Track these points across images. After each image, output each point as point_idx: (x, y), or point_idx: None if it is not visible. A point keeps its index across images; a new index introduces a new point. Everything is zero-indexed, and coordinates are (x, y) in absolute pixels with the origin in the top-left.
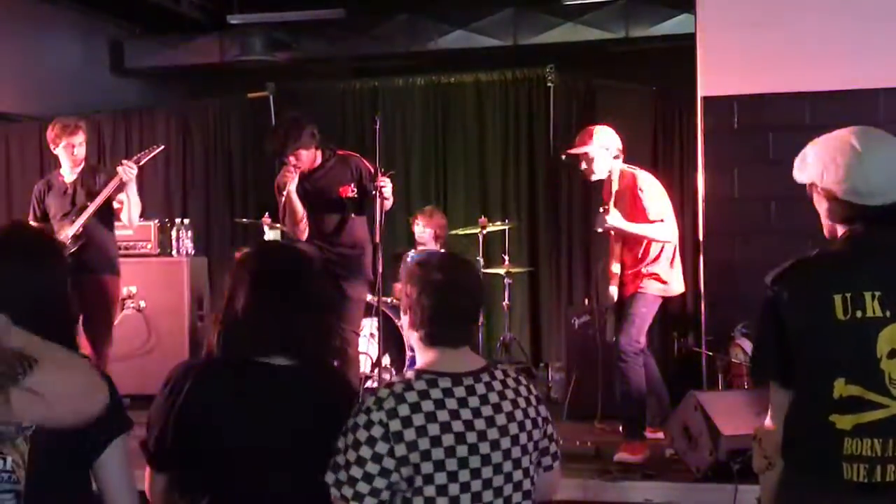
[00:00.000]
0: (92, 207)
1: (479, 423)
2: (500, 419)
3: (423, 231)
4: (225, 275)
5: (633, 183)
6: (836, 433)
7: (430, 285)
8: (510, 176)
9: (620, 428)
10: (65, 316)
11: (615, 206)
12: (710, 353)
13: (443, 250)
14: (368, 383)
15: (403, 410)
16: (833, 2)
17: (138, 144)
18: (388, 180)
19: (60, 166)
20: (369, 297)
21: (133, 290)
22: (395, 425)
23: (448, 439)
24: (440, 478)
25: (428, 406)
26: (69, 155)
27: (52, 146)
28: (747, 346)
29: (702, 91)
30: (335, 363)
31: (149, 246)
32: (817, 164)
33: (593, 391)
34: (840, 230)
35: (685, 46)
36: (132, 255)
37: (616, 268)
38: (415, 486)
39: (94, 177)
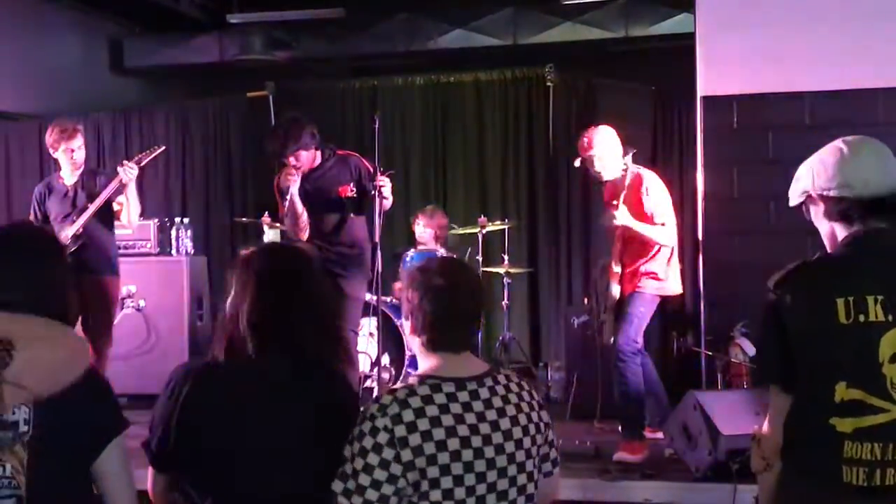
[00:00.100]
0: (92, 208)
1: (484, 428)
2: (505, 423)
3: (424, 230)
4: (228, 274)
5: (638, 183)
6: (836, 436)
7: (432, 291)
8: (509, 175)
9: (619, 427)
10: (65, 315)
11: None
12: (710, 353)
13: (443, 254)
14: (367, 382)
15: (408, 416)
16: (832, 2)
17: (138, 143)
18: (387, 180)
19: (60, 168)
20: (368, 297)
21: (133, 289)
22: (400, 431)
23: (453, 443)
24: (446, 482)
25: (432, 411)
26: (68, 158)
27: (51, 150)
28: (747, 345)
29: (701, 90)
30: (339, 365)
31: (148, 245)
32: (807, 175)
33: (593, 391)
34: (840, 231)
35: (685, 46)
36: (132, 254)
37: (617, 267)
38: (421, 491)
39: (94, 179)
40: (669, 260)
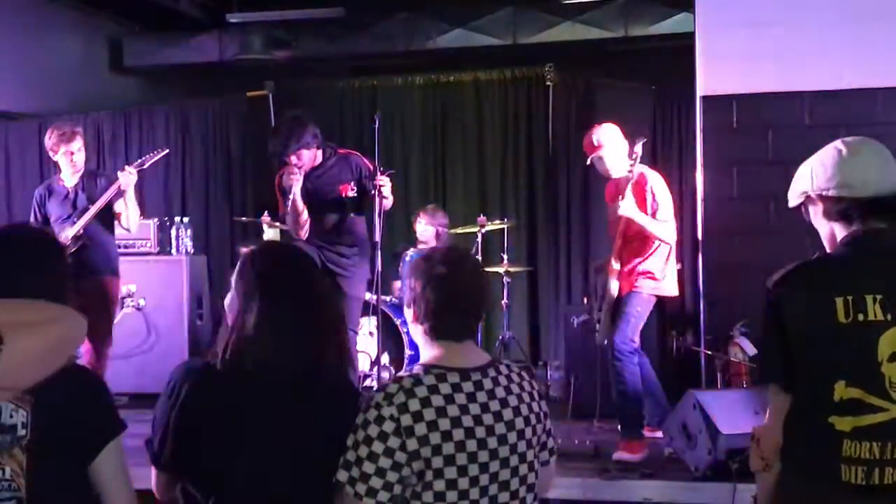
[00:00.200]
0: (91, 211)
1: (487, 419)
2: (507, 414)
3: (426, 229)
4: (229, 274)
5: (643, 181)
6: (835, 435)
7: (435, 279)
8: (509, 175)
9: (619, 427)
10: None
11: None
12: (709, 352)
13: (447, 245)
14: (367, 382)
15: (414, 405)
16: (832, 1)
17: (137, 143)
18: (387, 179)
19: (61, 171)
20: (368, 296)
21: (132, 288)
22: (406, 420)
23: (458, 434)
24: (450, 472)
25: (438, 401)
26: (68, 161)
27: (50, 153)
28: (746, 344)
29: (701, 90)
30: (339, 365)
31: (148, 244)
32: (806, 176)
33: (592, 390)
34: (839, 231)
35: (684, 45)
36: (131, 253)
37: (616, 264)
38: (425, 481)
39: (94, 181)
40: (667, 260)
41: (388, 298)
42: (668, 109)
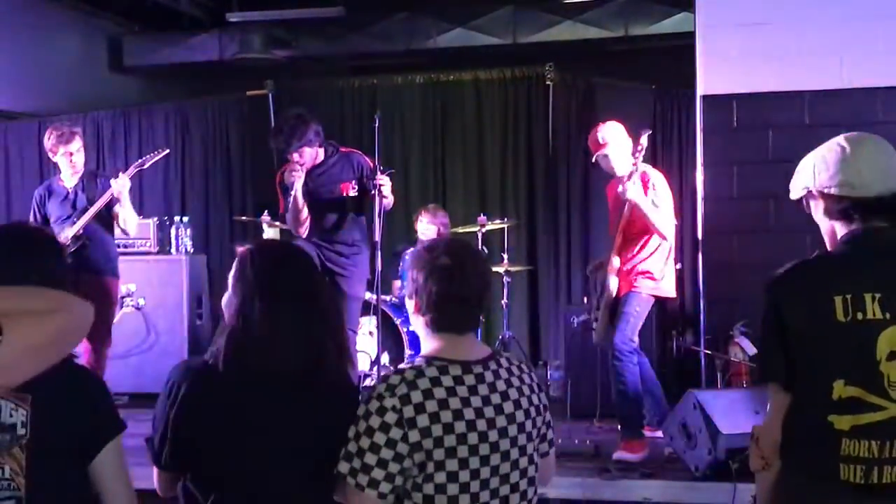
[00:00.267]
0: (89, 214)
1: (489, 411)
2: (508, 407)
3: (427, 228)
4: (227, 273)
5: (645, 178)
6: (834, 434)
7: (438, 270)
8: (509, 174)
9: (618, 426)
10: None
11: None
12: (709, 352)
13: (450, 236)
14: (367, 381)
15: (416, 397)
16: (832, 1)
17: (137, 142)
18: (387, 179)
19: (61, 171)
20: (368, 296)
21: (132, 287)
22: (408, 411)
23: (460, 426)
24: (451, 464)
25: (440, 393)
26: (68, 162)
27: (50, 154)
28: (746, 344)
29: (701, 90)
30: (339, 364)
31: (148, 244)
32: (808, 171)
33: (592, 390)
34: (840, 229)
35: (685, 45)
36: (131, 253)
37: (616, 261)
38: (426, 473)
39: (94, 181)
40: (666, 260)
41: (387, 298)
42: (669, 109)
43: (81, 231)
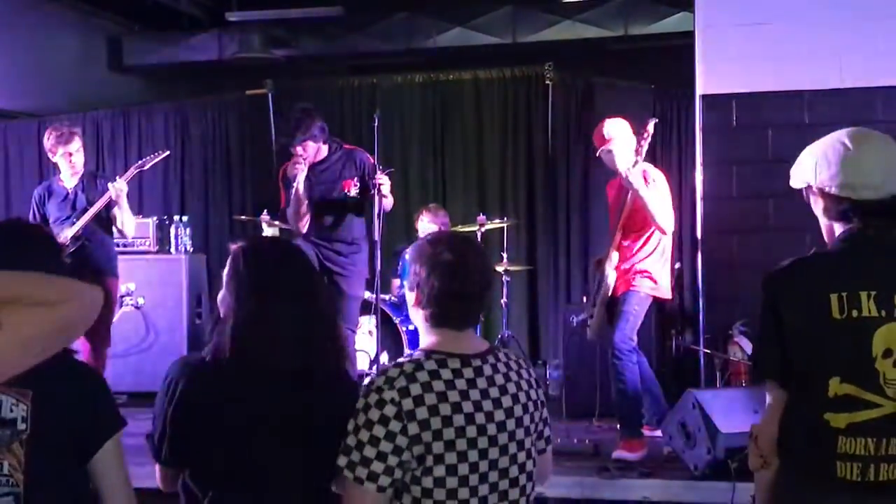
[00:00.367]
0: (89, 214)
1: (487, 405)
2: (506, 401)
3: (428, 227)
4: (222, 270)
5: (644, 175)
6: (830, 432)
7: (440, 266)
8: (508, 174)
9: (618, 426)
10: None
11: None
12: (709, 351)
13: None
14: (366, 381)
15: (415, 389)
16: (832, 0)
17: (137, 142)
18: (386, 178)
19: (60, 171)
20: (368, 295)
21: (131, 287)
22: (407, 404)
23: (458, 419)
24: (450, 458)
25: (439, 386)
26: (67, 162)
27: (49, 154)
28: (745, 343)
29: (700, 89)
30: (335, 361)
31: (147, 243)
32: (810, 165)
33: (591, 389)
34: (838, 228)
35: (684, 44)
36: (130, 252)
37: (615, 256)
38: (425, 466)
39: (94, 182)
40: (664, 260)
41: (387, 297)
42: (668, 108)
43: (81, 231)
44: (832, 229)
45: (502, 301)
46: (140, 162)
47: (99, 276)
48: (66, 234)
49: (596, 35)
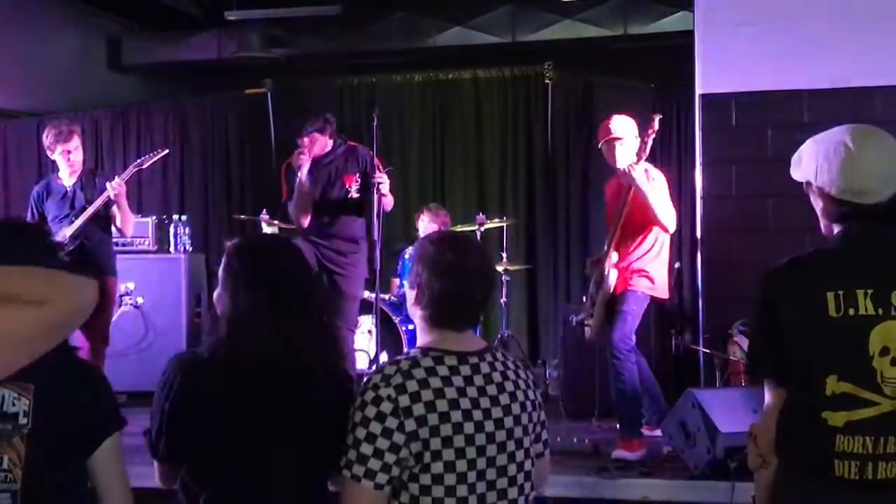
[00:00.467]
0: (88, 213)
1: (484, 402)
2: (504, 399)
3: (428, 227)
4: (218, 267)
5: (646, 173)
6: (828, 430)
7: (442, 268)
8: (508, 173)
9: (617, 425)
10: None
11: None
12: (708, 351)
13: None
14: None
15: (412, 386)
16: (831, 0)
17: (136, 141)
18: (385, 177)
19: (59, 169)
20: (367, 294)
21: (131, 286)
22: (404, 400)
23: (456, 416)
24: (448, 454)
25: (436, 383)
26: (66, 160)
27: (48, 152)
28: (745, 343)
29: (700, 89)
30: (330, 358)
31: (146, 242)
32: (811, 164)
33: (591, 389)
34: (836, 227)
35: (683, 44)
36: (130, 251)
37: (614, 256)
38: (423, 463)
39: (93, 181)
40: (663, 260)
41: (386, 297)
42: (667, 108)
43: (79, 230)
44: (831, 228)
45: (502, 300)
46: (139, 160)
47: (98, 275)
48: (64, 233)
49: (595, 34)
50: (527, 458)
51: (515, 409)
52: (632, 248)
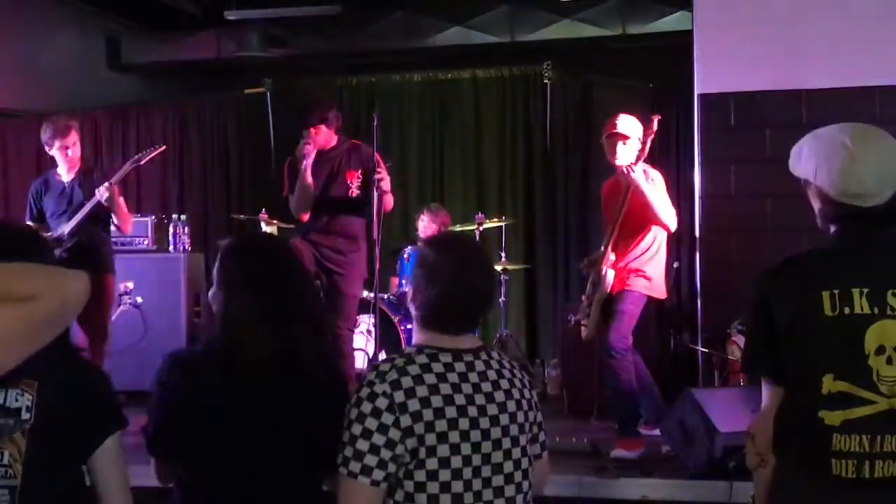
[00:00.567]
0: (83, 211)
1: (479, 399)
2: (499, 396)
3: (428, 227)
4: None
5: (644, 173)
6: (824, 429)
7: (440, 278)
8: (507, 173)
9: (616, 425)
10: None
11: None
12: (707, 350)
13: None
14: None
15: (407, 382)
16: (831, 0)
17: (135, 140)
18: (386, 173)
19: (57, 165)
20: (366, 294)
21: (130, 285)
22: (399, 396)
23: (451, 412)
24: (443, 450)
25: (430, 379)
26: (64, 156)
27: (46, 148)
28: (743, 342)
29: (698, 88)
30: (328, 359)
31: (146, 242)
32: (811, 163)
33: (589, 388)
34: (833, 227)
35: (682, 44)
36: (129, 250)
37: (612, 254)
38: (418, 459)
39: (91, 177)
40: (660, 261)
41: (386, 296)
42: (666, 108)
43: (77, 228)
44: (828, 227)
45: (500, 300)
46: (136, 157)
47: (96, 274)
48: (63, 230)
49: (594, 34)
50: (524, 456)
51: (511, 406)
52: (629, 248)
